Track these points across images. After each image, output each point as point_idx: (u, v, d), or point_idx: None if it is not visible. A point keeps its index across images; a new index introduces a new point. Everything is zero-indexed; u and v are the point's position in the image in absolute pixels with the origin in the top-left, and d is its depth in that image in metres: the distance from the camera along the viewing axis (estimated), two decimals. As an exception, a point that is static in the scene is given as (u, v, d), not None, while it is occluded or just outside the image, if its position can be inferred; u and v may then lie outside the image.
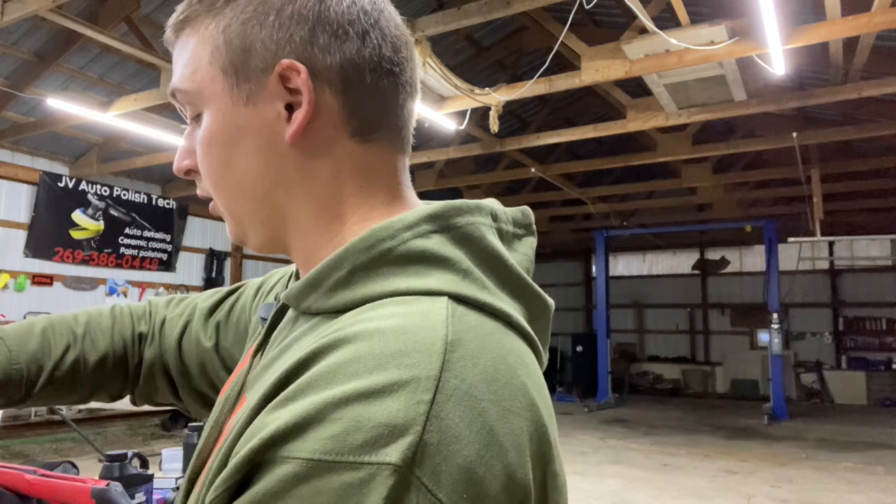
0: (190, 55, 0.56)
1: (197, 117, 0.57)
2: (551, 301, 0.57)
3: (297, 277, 0.65)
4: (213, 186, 0.58)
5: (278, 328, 0.59)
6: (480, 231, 0.51)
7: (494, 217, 0.54)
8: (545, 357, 0.55)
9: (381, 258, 0.49)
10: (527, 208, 0.60)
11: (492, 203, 0.56)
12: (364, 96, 0.54)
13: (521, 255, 0.56)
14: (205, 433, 0.57)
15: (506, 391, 0.43)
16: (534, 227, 0.60)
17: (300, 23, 0.53)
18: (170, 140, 7.51)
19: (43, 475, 0.90)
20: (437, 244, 0.49)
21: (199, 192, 0.61)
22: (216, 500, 0.40)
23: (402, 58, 0.56)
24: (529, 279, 0.53)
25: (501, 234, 0.54)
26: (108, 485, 0.93)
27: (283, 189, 0.55)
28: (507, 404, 0.42)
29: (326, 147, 0.54)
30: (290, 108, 0.53)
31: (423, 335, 0.42)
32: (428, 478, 0.37)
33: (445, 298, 0.46)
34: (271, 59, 0.53)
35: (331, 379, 0.40)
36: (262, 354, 0.59)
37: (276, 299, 0.70)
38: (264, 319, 0.63)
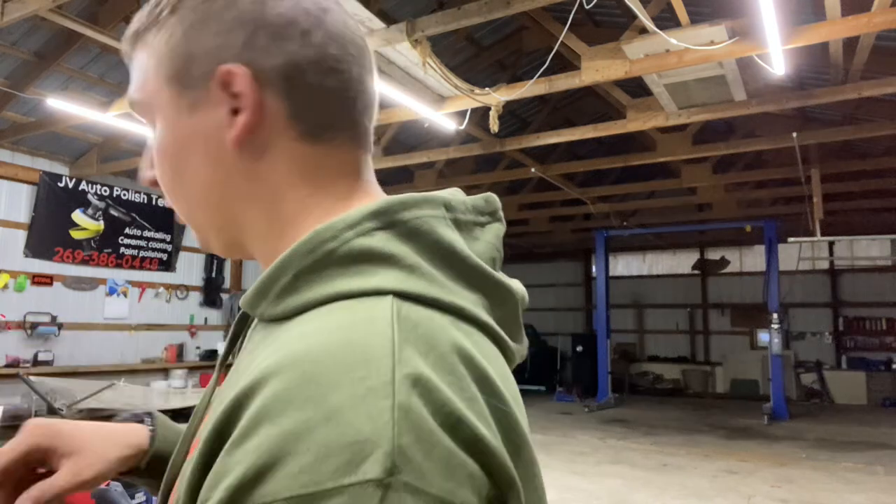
0: (141, 67, 0.56)
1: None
2: (518, 287, 0.55)
3: None
4: (170, 195, 0.58)
5: (244, 336, 0.59)
6: (429, 224, 0.49)
7: (448, 207, 0.52)
8: (518, 345, 0.53)
9: (324, 260, 0.48)
10: (491, 195, 0.58)
11: (446, 193, 0.54)
12: (309, 96, 0.53)
13: (483, 244, 0.54)
14: (176, 448, 0.58)
15: (465, 380, 0.42)
16: (500, 213, 0.58)
17: (240, 27, 0.52)
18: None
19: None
20: (381, 241, 0.48)
21: (164, 201, 0.59)
22: None
23: (349, 55, 0.55)
24: (489, 268, 0.51)
25: (458, 224, 0.52)
26: (107, 485, 0.93)
27: (235, 195, 0.55)
28: (469, 392, 0.42)
29: (273, 150, 0.53)
30: (235, 114, 0.52)
31: (370, 341, 0.41)
32: (415, 479, 0.36)
33: (390, 297, 0.45)
34: (212, 64, 0.52)
35: (284, 408, 0.38)
36: (228, 365, 0.59)
37: None
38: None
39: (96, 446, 0.66)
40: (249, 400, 0.40)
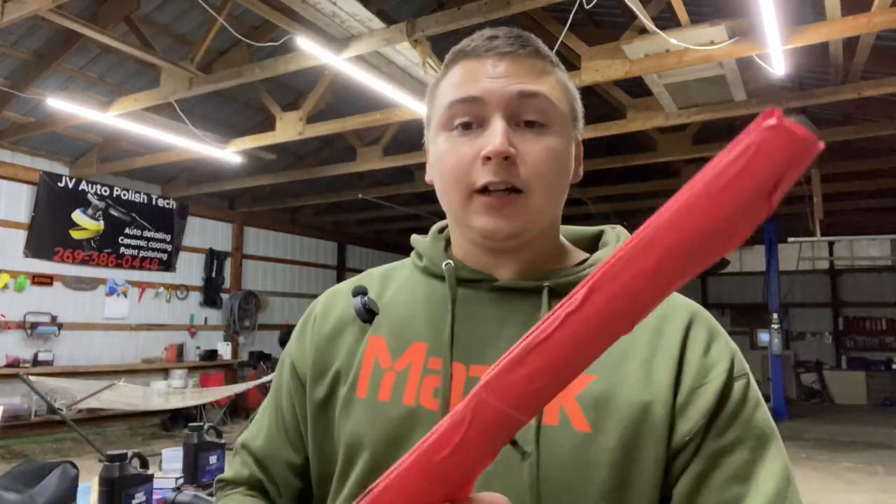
0: (552, 85, 0.74)
1: (532, 125, 0.72)
2: None
3: (365, 295, 0.82)
4: (540, 182, 0.72)
5: (492, 307, 0.76)
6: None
7: None
8: None
9: None
10: None
11: None
12: None
13: None
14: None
15: None
16: None
17: (580, 107, 0.80)
18: (170, 140, 7.51)
19: None
20: None
21: (494, 177, 0.70)
22: (706, 416, 0.67)
23: None
24: None
25: None
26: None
27: (562, 201, 0.78)
28: None
29: None
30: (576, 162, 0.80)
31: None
32: (749, 372, 0.74)
33: None
34: (579, 125, 0.79)
35: (716, 334, 0.74)
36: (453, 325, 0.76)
37: (359, 293, 0.82)
38: (370, 312, 0.79)
39: None
40: (696, 324, 0.74)
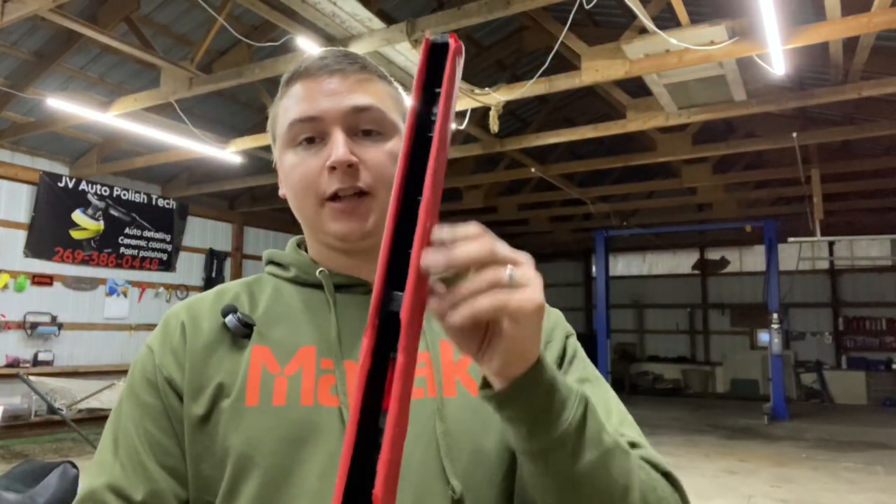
0: (382, 97, 0.80)
1: (369, 133, 0.78)
2: None
3: (234, 313, 0.79)
4: (384, 183, 0.76)
5: None
6: None
7: None
8: None
9: None
10: None
11: None
12: None
13: None
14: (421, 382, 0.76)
15: None
16: None
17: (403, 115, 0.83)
18: (170, 140, 7.51)
19: None
20: None
21: (342, 184, 0.75)
22: (556, 363, 0.82)
23: None
24: None
25: None
26: None
27: None
28: None
29: None
30: None
31: None
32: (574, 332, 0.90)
33: None
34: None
35: (548, 307, 0.79)
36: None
37: (229, 312, 0.79)
38: (247, 326, 0.77)
39: None
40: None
